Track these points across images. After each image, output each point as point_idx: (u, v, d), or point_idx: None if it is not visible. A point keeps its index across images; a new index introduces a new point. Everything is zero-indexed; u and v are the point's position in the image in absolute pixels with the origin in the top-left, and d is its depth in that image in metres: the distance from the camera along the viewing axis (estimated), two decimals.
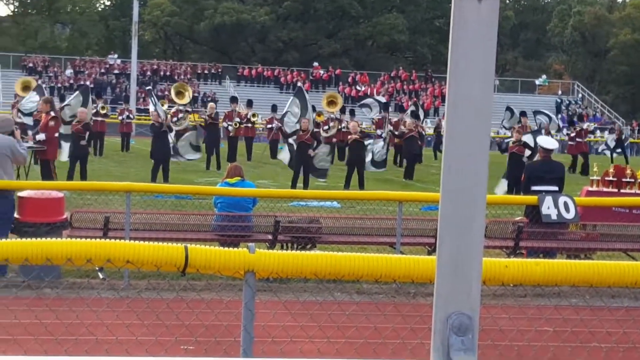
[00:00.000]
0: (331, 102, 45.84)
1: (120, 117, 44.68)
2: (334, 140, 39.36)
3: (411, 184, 31.48)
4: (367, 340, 8.44)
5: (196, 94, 69.12)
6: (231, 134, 37.74)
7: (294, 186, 26.26)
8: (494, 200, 14.44)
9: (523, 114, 37.08)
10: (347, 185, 28.05)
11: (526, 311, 10.99)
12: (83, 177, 24.87)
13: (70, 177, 24.35)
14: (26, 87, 46.42)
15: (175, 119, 38.39)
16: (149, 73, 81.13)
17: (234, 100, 44.69)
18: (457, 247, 2.73)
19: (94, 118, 39.84)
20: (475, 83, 2.65)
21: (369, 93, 78.23)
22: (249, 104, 43.93)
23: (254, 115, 41.87)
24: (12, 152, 13.53)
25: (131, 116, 46.71)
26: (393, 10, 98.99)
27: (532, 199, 14.74)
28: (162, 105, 41.68)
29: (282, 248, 13.99)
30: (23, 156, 14.11)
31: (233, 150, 36.94)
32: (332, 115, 42.49)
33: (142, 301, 10.75)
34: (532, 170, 16.78)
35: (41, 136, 22.50)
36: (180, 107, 40.17)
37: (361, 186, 27.95)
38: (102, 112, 40.98)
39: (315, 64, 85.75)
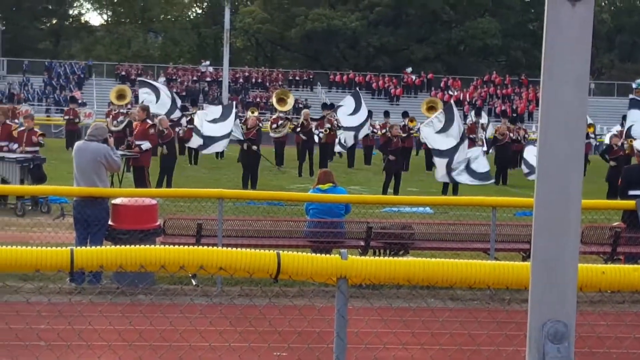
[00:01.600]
0: (431, 108, 45.72)
1: None
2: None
3: (505, 189, 31.19)
4: (462, 347, 8.37)
5: None
6: (322, 140, 37.72)
7: (385, 192, 26.21)
8: (590, 205, 14.19)
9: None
10: (444, 191, 27.92)
11: (624, 318, 10.78)
12: (168, 186, 24.77)
13: (159, 185, 24.40)
14: (121, 96, 47.16)
15: (275, 125, 38.51)
16: (240, 80, 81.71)
17: (325, 106, 44.64)
18: (552, 253, 2.69)
19: (188, 126, 40.19)
20: (569, 87, 2.62)
21: (461, 98, 77.83)
22: None
23: None
24: (107, 159, 13.67)
25: None
26: (485, 14, 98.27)
27: (629, 203, 14.44)
28: (253, 112, 41.81)
29: (374, 254, 13.95)
30: (117, 163, 14.26)
31: (324, 157, 36.94)
32: None
33: (234, 307, 10.80)
34: (629, 174, 16.44)
35: (146, 144, 22.69)
36: (281, 114, 40.25)
37: (455, 191, 27.78)
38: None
39: (407, 69, 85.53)
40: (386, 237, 14.23)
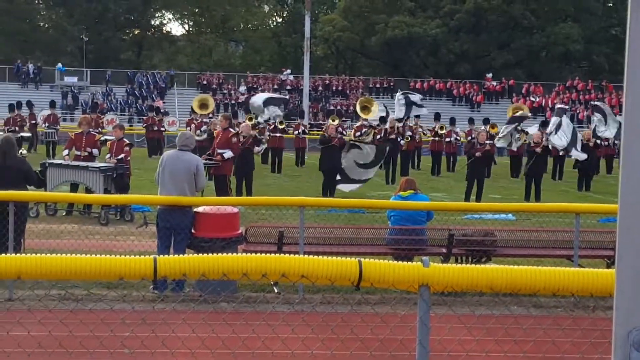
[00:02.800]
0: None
1: (295, 132, 44.82)
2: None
3: (588, 195, 30.81)
4: (546, 355, 8.28)
5: None
6: (403, 147, 37.57)
7: (467, 199, 26.06)
8: None
9: None
10: (527, 197, 27.72)
11: None
12: (249, 194, 24.42)
13: (238, 194, 24.18)
14: (203, 105, 47.54)
15: (358, 133, 38.48)
16: (320, 88, 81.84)
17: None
18: (637, 260, 2.65)
19: (271, 134, 40.28)
20: None
21: (543, 104, 77.09)
22: (437, 117, 43.59)
23: (441, 127, 41.37)
24: (198, 170, 13.69)
25: (306, 131, 46.87)
26: (567, 19, 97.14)
27: None
28: (334, 120, 41.78)
29: (456, 261, 13.87)
30: (204, 181, 14.27)
31: (405, 164, 36.83)
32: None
33: (317, 315, 10.81)
34: None
35: (228, 154, 22.74)
36: (365, 122, 40.10)
37: (537, 198, 27.56)
38: (281, 127, 40.83)
39: (488, 75, 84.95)
40: (468, 244, 14.15)
